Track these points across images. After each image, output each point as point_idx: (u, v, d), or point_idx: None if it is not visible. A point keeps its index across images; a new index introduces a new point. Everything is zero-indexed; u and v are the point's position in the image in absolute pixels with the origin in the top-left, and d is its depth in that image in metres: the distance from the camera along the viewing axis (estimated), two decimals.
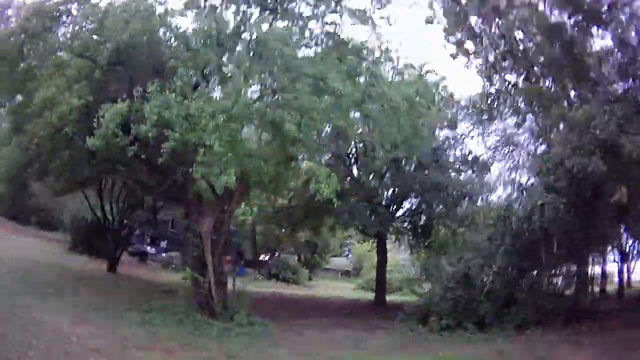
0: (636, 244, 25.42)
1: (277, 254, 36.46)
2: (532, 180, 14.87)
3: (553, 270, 14.59)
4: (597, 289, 24.45)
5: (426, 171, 18.09)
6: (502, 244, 13.30)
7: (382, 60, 13.87)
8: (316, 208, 19.78)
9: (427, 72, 17.09)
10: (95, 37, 13.29)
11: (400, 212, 21.24)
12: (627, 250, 27.10)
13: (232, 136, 11.60)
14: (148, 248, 30.78)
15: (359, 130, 15.53)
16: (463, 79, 51.12)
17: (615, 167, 12.91)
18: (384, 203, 19.81)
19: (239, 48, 13.21)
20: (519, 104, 16.43)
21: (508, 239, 13.33)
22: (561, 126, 14.66)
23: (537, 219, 12.74)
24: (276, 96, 12.47)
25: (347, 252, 52.41)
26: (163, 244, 32.05)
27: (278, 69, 12.15)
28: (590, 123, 12.68)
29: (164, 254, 30.36)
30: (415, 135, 13.98)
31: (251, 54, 12.70)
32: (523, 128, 16.56)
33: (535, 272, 14.23)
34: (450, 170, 19.25)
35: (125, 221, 21.51)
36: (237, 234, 31.46)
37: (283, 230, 24.14)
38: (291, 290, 26.62)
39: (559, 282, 15.03)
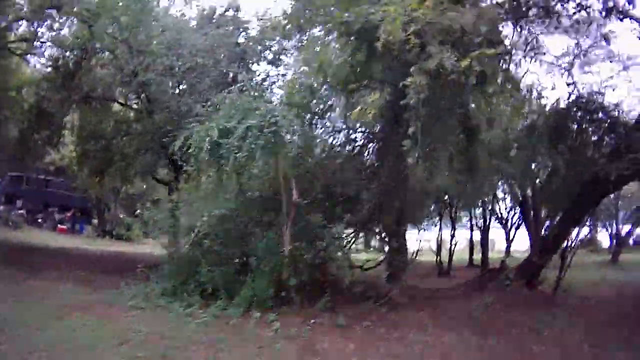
0: (515, 207, 21.89)
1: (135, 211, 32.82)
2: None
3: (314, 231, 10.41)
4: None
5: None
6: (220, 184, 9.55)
7: None
8: (94, 150, 16.46)
9: None
10: None
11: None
12: (506, 215, 23.61)
13: None
14: (1, 208, 27.34)
15: None
16: None
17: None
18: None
19: None
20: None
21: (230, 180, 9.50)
22: None
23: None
24: None
25: None
26: (19, 202, 28.56)
27: None
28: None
29: (13, 213, 26.89)
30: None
31: None
32: None
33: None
34: None
35: None
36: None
37: (91, 179, 20.15)
38: (119, 247, 23.63)
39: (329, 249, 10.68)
